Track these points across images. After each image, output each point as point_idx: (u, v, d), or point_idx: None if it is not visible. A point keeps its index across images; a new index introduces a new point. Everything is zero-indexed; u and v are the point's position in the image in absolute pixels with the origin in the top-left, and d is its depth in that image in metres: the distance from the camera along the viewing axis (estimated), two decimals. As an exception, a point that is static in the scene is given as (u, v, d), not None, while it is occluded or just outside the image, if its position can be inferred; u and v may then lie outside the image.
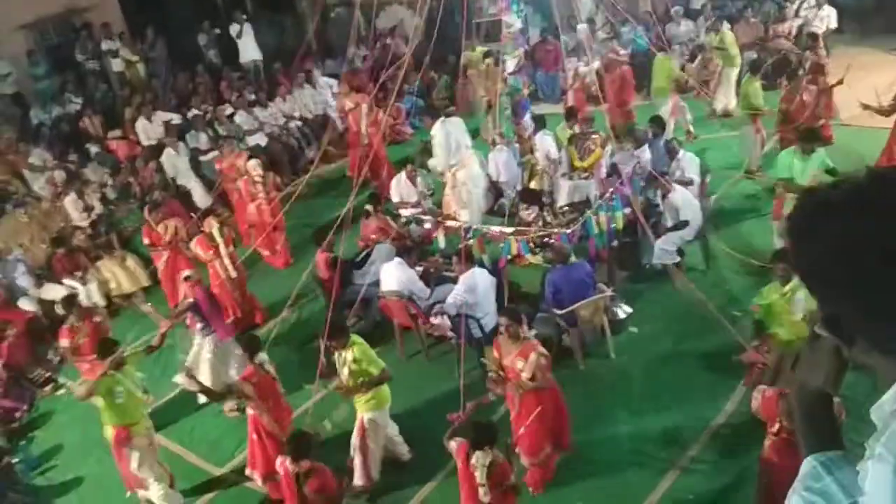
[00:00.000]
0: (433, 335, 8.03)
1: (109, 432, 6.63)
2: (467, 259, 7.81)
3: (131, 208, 11.60)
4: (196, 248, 9.19)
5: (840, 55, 11.98)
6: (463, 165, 9.93)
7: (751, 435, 5.82)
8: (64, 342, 7.99)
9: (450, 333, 7.75)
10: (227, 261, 9.03)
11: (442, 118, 10.73)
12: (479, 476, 5.29)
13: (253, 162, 10.68)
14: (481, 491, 5.32)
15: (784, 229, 1.44)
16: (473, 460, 5.32)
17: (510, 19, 8.44)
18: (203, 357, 7.87)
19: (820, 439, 1.56)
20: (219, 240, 9.06)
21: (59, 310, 8.80)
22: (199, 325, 7.87)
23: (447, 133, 10.39)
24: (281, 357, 7.89)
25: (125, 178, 12.08)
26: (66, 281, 10.12)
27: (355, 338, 6.50)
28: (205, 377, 7.66)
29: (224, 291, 8.97)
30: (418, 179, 10.09)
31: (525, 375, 5.98)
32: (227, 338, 7.91)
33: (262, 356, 6.74)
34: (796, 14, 13.61)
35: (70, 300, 8.45)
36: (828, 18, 13.37)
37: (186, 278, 8.09)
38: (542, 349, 6.10)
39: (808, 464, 1.52)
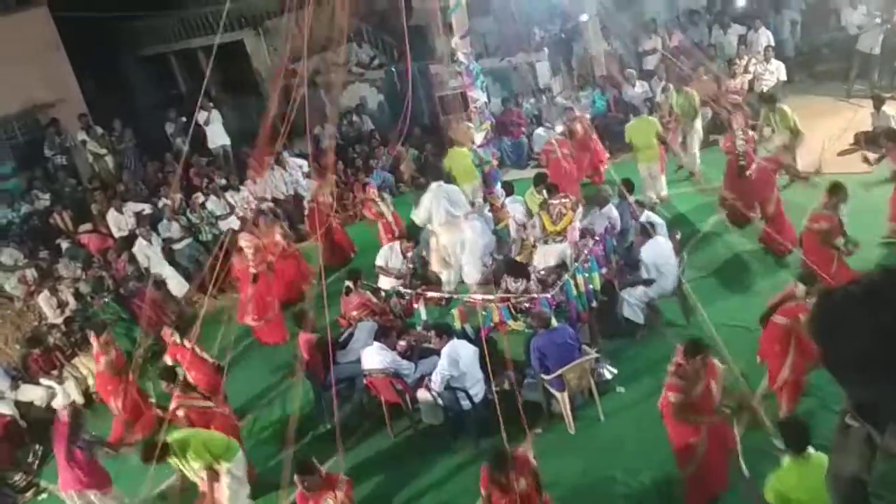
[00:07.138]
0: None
1: None
2: (446, 331, 7.85)
3: (106, 301, 11.49)
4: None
5: (794, 105, 12.37)
6: (450, 230, 10.00)
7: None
8: None
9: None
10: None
11: (440, 182, 10.67)
12: None
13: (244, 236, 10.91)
14: None
15: (810, 330, 1.49)
16: None
17: (475, 94, 8.65)
18: None
19: None
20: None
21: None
22: None
23: (435, 196, 10.38)
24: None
25: (98, 272, 12.00)
26: (43, 381, 9.94)
27: None
28: None
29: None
30: (410, 254, 10.17)
31: None
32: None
33: None
34: (745, 70, 14.11)
35: None
36: (777, 71, 13.89)
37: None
38: None
39: None
